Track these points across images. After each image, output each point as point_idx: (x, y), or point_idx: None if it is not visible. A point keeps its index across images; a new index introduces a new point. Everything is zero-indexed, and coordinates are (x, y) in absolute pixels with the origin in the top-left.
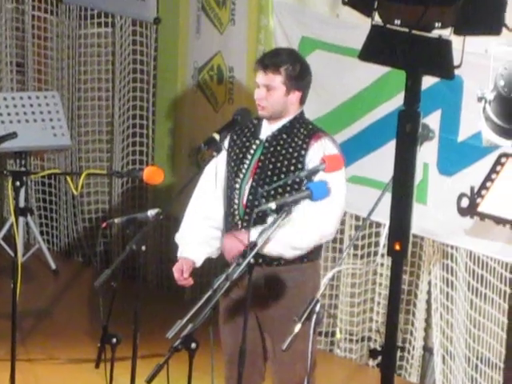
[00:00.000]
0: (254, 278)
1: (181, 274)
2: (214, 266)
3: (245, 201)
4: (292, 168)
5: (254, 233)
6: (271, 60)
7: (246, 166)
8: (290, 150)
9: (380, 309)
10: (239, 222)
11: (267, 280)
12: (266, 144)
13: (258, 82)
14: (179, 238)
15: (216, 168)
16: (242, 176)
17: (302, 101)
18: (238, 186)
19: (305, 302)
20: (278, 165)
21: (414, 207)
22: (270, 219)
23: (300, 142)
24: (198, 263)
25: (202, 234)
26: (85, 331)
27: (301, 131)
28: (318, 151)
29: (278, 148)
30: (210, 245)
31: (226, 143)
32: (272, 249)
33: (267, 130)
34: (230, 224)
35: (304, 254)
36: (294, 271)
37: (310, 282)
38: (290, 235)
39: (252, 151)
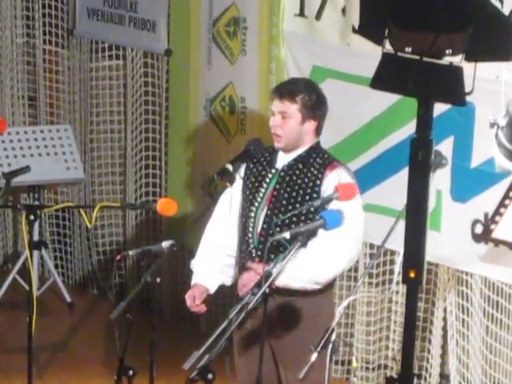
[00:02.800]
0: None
1: (193, 300)
2: (229, 296)
3: (259, 229)
4: (307, 198)
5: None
6: (287, 88)
7: (261, 195)
8: (306, 179)
9: (396, 336)
10: (253, 251)
11: (280, 310)
12: (282, 173)
13: (274, 109)
14: (193, 265)
15: (231, 196)
16: (257, 204)
17: (318, 131)
18: (252, 214)
19: (318, 332)
20: (294, 194)
21: (427, 234)
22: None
23: (315, 172)
24: (211, 290)
25: (215, 262)
26: (101, 364)
27: (317, 161)
28: (332, 181)
29: (294, 178)
30: (223, 272)
31: (242, 171)
32: (295, 283)
33: (283, 159)
34: (244, 252)
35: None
36: (307, 301)
37: (323, 312)
38: (313, 270)
39: (268, 180)
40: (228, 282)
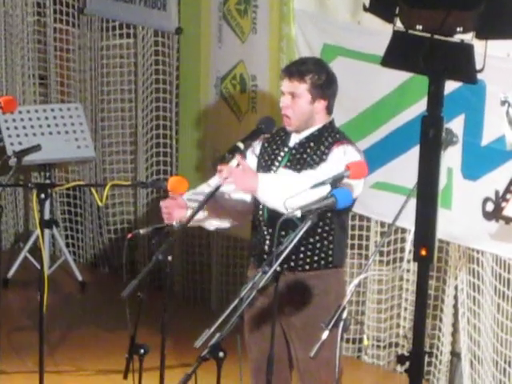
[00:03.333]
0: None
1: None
2: (239, 275)
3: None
4: None
5: (262, 177)
6: (297, 68)
7: (272, 173)
8: (315, 157)
9: (407, 314)
10: (264, 227)
11: (290, 288)
12: (293, 151)
13: (283, 89)
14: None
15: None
16: None
17: (329, 110)
18: None
19: (328, 310)
20: (302, 172)
21: (438, 212)
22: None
23: (323, 149)
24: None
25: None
26: (112, 342)
27: (328, 140)
28: (337, 154)
29: (304, 156)
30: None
31: (258, 149)
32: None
33: (296, 138)
34: (256, 226)
35: (328, 260)
36: (317, 279)
37: (333, 290)
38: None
39: (280, 158)
40: (201, 215)
